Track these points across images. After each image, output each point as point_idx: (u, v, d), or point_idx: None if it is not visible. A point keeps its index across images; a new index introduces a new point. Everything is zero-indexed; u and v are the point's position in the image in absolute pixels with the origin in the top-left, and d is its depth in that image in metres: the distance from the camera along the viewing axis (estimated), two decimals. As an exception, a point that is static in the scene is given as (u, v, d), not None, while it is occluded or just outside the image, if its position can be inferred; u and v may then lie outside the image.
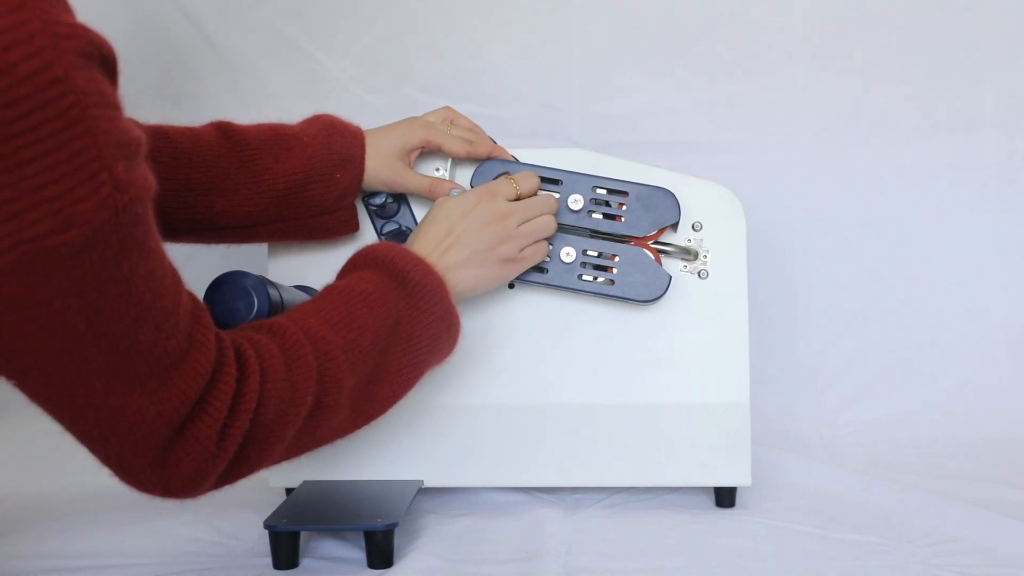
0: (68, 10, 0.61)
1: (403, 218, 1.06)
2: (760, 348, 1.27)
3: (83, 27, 0.60)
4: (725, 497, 1.06)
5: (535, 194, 1.00)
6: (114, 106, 0.61)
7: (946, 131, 1.42)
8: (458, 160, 1.05)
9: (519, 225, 0.97)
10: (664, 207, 1.03)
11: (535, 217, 0.98)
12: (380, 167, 1.01)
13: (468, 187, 1.05)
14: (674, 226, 1.04)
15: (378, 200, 1.04)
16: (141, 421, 0.66)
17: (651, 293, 1.02)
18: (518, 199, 0.98)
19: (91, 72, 0.59)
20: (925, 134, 1.42)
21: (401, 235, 1.05)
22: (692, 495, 1.09)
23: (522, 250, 0.97)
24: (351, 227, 1.04)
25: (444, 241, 0.93)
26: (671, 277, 1.03)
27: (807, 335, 1.44)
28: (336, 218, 1.02)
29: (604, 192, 1.03)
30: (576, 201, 1.02)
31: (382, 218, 1.06)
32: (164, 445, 0.68)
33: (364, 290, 0.84)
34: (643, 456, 1.04)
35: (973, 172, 1.42)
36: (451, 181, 1.04)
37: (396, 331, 0.84)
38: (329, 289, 0.85)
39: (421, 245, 0.92)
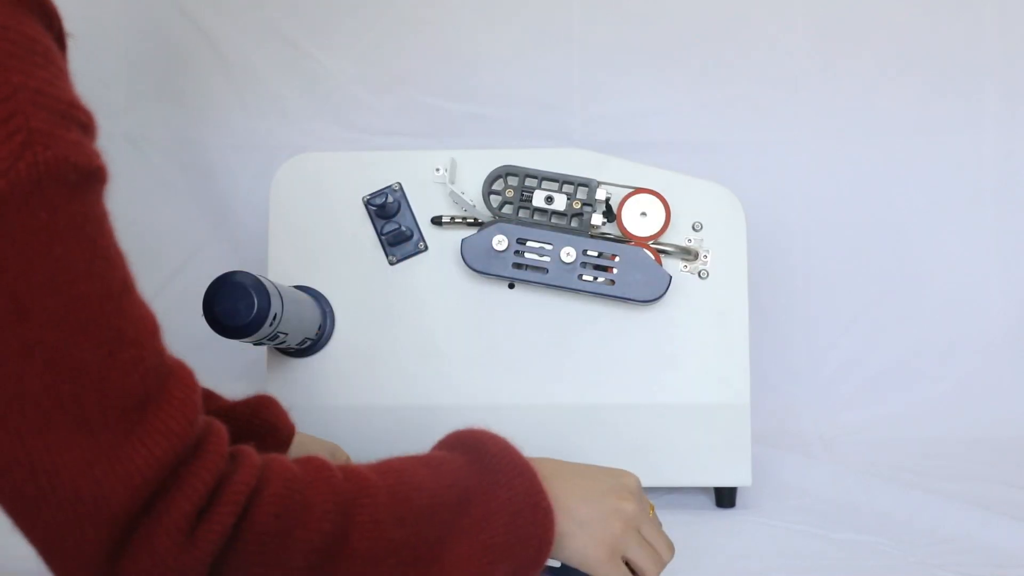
0: None
1: (403, 218, 1.06)
2: (760, 348, 1.27)
3: None
4: (725, 497, 1.06)
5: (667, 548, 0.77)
6: (43, 55, 0.50)
7: (946, 131, 1.42)
8: (458, 162, 1.05)
9: (639, 544, 0.74)
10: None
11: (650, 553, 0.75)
12: None
13: (469, 186, 1.05)
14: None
15: (378, 200, 1.04)
16: (90, 483, 0.50)
17: (651, 293, 1.02)
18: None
19: (20, 15, 0.50)
20: (925, 134, 1.42)
21: (401, 235, 1.05)
22: (692, 495, 1.09)
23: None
24: None
25: (587, 493, 0.75)
26: (671, 277, 1.03)
27: (807, 335, 1.43)
28: None
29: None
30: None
31: (382, 218, 1.06)
32: (123, 526, 0.51)
33: (432, 457, 0.70)
34: (643, 456, 1.04)
35: (973, 172, 1.42)
36: None
37: (467, 508, 0.66)
38: (393, 457, 0.69)
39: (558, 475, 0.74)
